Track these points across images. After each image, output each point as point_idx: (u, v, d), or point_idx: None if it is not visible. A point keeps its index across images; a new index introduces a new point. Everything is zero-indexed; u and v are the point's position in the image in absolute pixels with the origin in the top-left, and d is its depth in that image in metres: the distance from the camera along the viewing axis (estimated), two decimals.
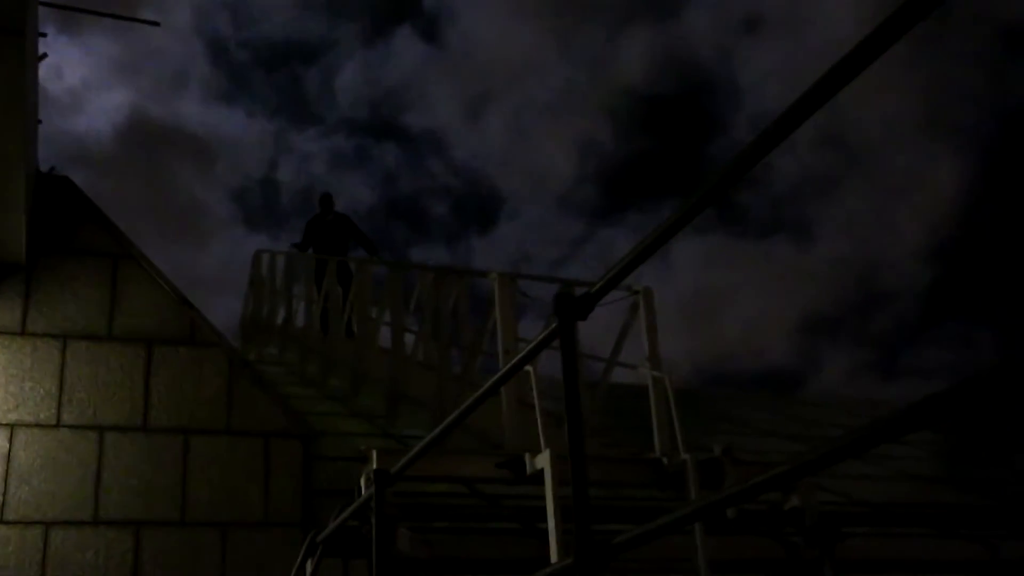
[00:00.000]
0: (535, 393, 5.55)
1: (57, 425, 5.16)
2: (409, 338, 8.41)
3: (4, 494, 4.94)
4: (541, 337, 2.44)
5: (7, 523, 4.89)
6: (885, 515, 6.37)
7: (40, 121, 5.42)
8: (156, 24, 6.84)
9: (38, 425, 5.14)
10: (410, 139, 41.83)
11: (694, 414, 8.03)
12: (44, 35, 5.07)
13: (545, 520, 5.07)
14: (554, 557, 4.86)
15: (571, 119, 40.88)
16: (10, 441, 5.06)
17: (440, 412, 7.16)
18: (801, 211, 38.13)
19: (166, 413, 5.35)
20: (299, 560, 4.85)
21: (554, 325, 2.39)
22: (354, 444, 6.76)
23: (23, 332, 5.30)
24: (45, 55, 5.12)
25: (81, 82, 39.80)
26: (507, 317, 6.45)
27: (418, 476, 5.23)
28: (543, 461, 5.20)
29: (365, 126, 41.79)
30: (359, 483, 5.35)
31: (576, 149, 42.48)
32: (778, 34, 38.48)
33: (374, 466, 5.36)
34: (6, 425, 5.09)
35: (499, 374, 2.93)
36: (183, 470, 5.25)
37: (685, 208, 2.02)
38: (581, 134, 41.87)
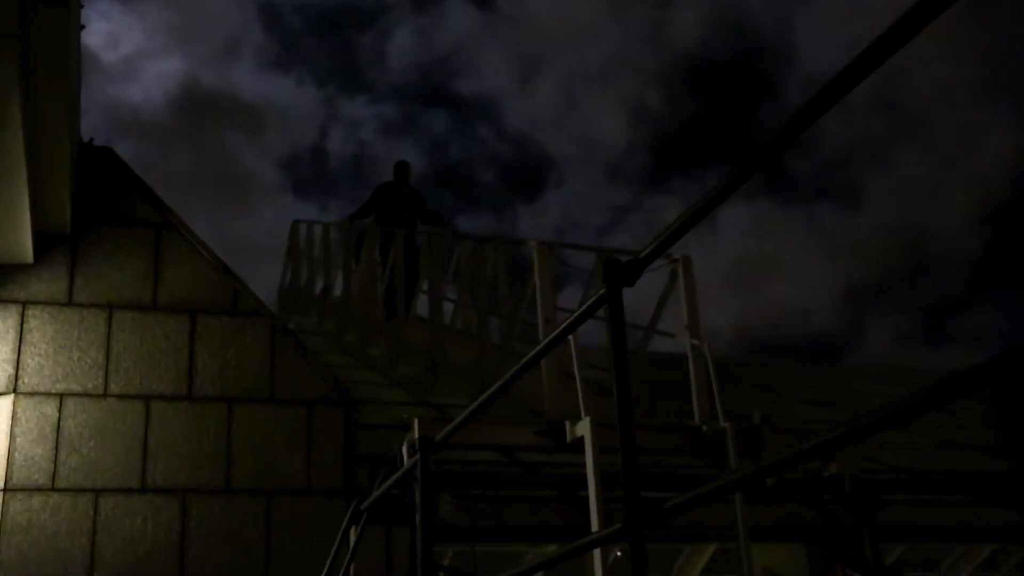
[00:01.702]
0: (575, 362, 5.56)
1: (104, 394, 5.25)
2: (448, 306, 8.45)
3: (55, 462, 5.04)
4: (589, 304, 2.44)
5: (59, 490, 4.99)
6: (924, 482, 6.34)
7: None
8: None
9: (86, 394, 5.22)
10: (460, 106, 41.63)
11: (734, 383, 8.00)
12: (82, 5, 5.10)
13: (585, 488, 5.10)
14: (595, 525, 4.89)
15: (623, 84, 40.38)
16: (59, 410, 5.15)
17: (479, 381, 7.20)
18: (850, 177, 37.53)
19: (210, 382, 5.41)
20: (343, 527, 4.91)
21: (601, 291, 2.39)
22: (394, 413, 6.82)
23: (70, 302, 5.37)
24: (84, 26, 5.16)
25: (137, 51, 40.08)
26: (546, 286, 6.45)
27: (460, 444, 5.27)
28: (583, 428, 5.22)
29: (415, 93, 41.58)
30: (400, 451, 5.40)
31: (627, 115, 41.98)
32: None
33: (416, 434, 5.40)
34: (55, 394, 5.18)
35: (544, 342, 2.94)
36: (227, 438, 5.32)
37: (734, 174, 2.00)
38: (633, 99, 41.37)
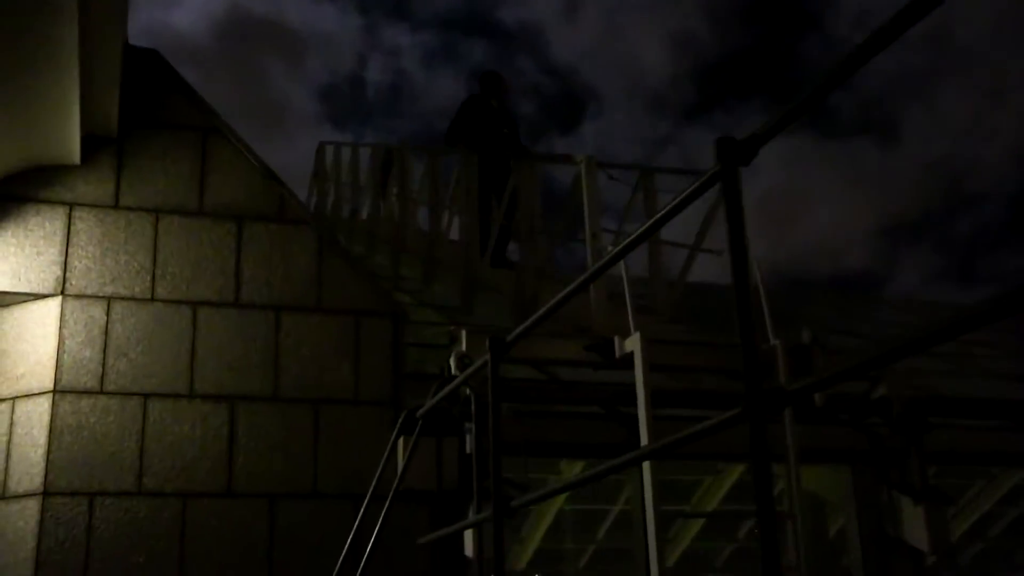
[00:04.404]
0: (625, 277, 5.48)
1: (152, 299, 5.18)
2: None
3: (103, 365, 4.99)
4: (699, 183, 2.33)
5: (107, 393, 4.95)
6: (973, 407, 6.28)
7: None
8: None
9: (133, 298, 5.16)
10: (502, 35, 40.73)
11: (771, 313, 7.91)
12: None
13: (631, 405, 5.05)
14: (644, 440, 4.85)
15: (669, 14, 39.55)
16: (107, 314, 5.09)
17: (520, 302, 7.13)
18: (891, 111, 36.67)
19: (257, 289, 5.34)
20: (393, 437, 4.87)
21: (712, 169, 2.29)
22: (431, 333, 6.76)
23: (116, 205, 5.28)
24: None
25: None
26: (593, 202, 6.35)
27: (508, 358, 5.21)
28: (633, 344, 5.16)
29: (457, 21, 40.59)
30: (448, 363, 5.35)
31: (672, 46, 41.02)
32: None
33: (463, 347, 5.35)
34: (103, 297, 5.11)
35: (632, 236, 2.83)
36: (275, 346, 5.27)
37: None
38: (678, 30, 40.45)
